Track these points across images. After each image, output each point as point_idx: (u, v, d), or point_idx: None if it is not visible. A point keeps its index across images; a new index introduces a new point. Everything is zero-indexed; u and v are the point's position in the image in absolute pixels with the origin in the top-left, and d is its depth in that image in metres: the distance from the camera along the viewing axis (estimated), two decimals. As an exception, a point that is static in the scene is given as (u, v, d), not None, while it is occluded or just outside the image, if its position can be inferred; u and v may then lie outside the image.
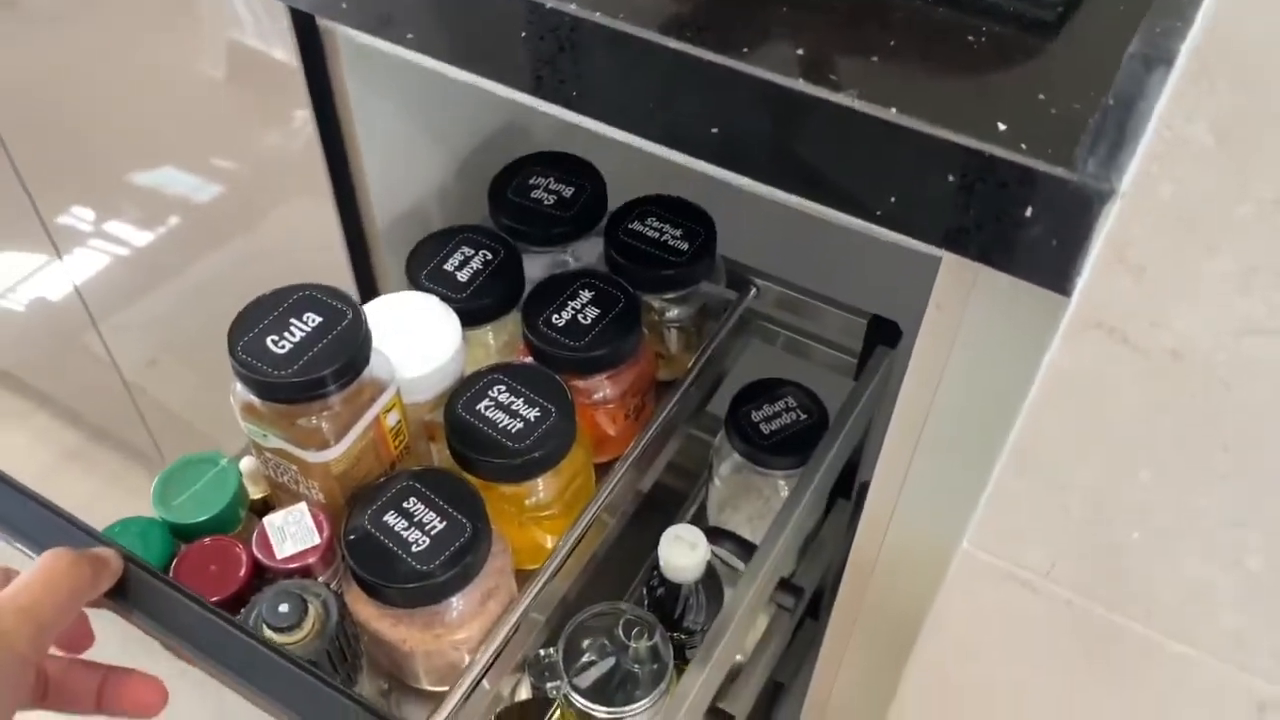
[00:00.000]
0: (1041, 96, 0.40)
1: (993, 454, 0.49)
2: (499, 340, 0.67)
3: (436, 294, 0.62)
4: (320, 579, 0.51)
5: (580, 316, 0.61)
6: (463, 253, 0.65)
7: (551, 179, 0.69)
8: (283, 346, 0.50)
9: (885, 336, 0.68)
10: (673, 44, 0.43)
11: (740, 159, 0.45)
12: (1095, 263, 0.36)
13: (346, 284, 0.72)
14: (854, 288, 0.74)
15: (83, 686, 0.40)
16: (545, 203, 0.68)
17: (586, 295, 0.62)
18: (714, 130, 0.44)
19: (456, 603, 0.53)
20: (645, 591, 0.66)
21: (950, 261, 0.45)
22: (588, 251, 0.71)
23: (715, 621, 0.57)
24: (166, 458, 1.23)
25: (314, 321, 0.51)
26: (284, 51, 0.62)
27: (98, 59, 0.80)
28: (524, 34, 0.47)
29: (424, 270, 0.64)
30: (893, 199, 0.41)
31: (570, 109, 0.48)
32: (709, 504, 0.81)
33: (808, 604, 0.90)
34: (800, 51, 0.42)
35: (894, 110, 0.39)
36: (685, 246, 0.66)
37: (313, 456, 0.51)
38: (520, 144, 0.78)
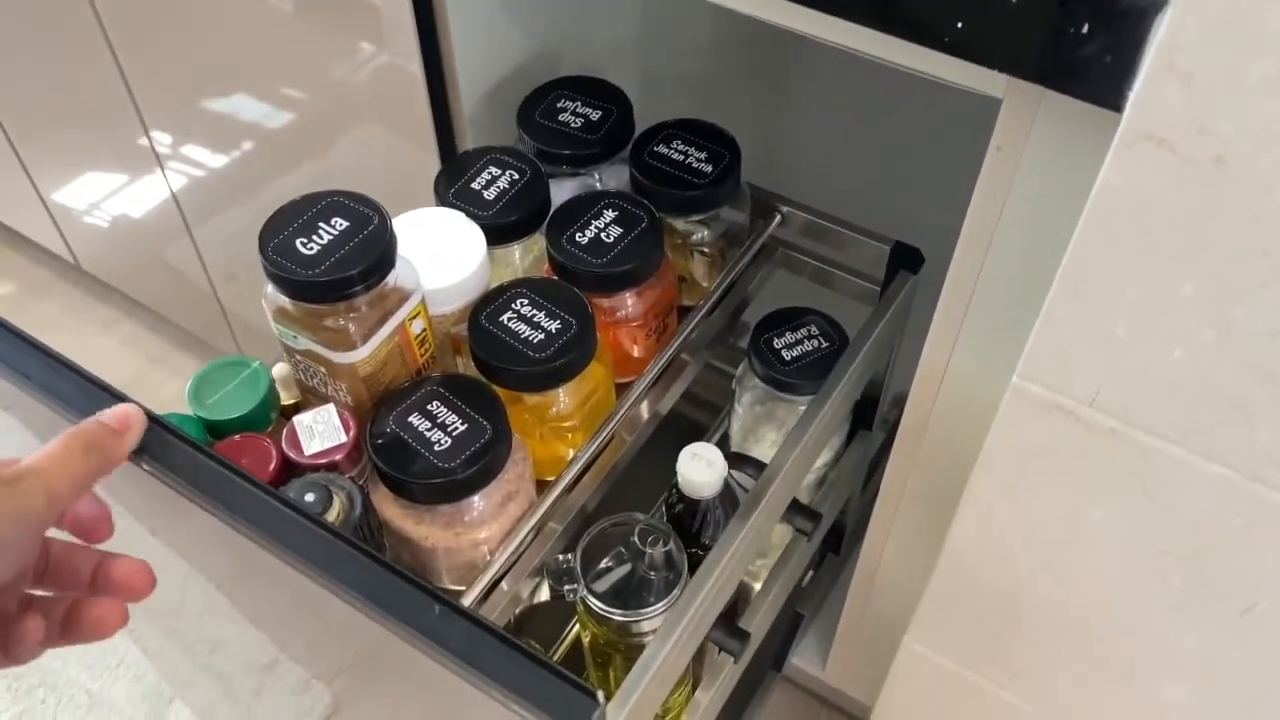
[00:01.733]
0: None
1: (1046, 294, 0.52)
2: (525, 260, 0.68)
3: (463, 211, 0.63)
4: (349, 474, 0.53)
5: (603, 235, 0.62)
6: (490, 172, 0.66)
7: (579, 102, 0.70)
8: (311, 248, 0.51)
9: (907, 262, 0.68)
10: None
11: None
12: (1146, 73, 0.38)
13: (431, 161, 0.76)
14: (879, 220, 0.75)
15: (80, 567, 0.42)
16: (572, 125, 0.69)
17: (610, 215, 0.63)
18: None
19: (477, 502, 0.54)
20: (664, 509, 0.68)
21: (1012, 100, 0.48)
22: (614, 178, 0.71)
23: (726, 527, 0.58)
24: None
25: (341, 225, 0.52)
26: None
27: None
28: None
29: (451, 188, 0.65)
30: (959, 25, 0.44)
31: None
32: (731, 433, 0.82)
33: (830, 539, 0.92)
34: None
35: None
36: (709, 169, 0.67)
37: (340, 358, 0.53)
38: (550, 73, 0.79)
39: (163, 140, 1.05)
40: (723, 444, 0.87)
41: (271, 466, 0.52)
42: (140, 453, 0.42)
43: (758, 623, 0.72)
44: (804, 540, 0.75)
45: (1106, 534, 0.57)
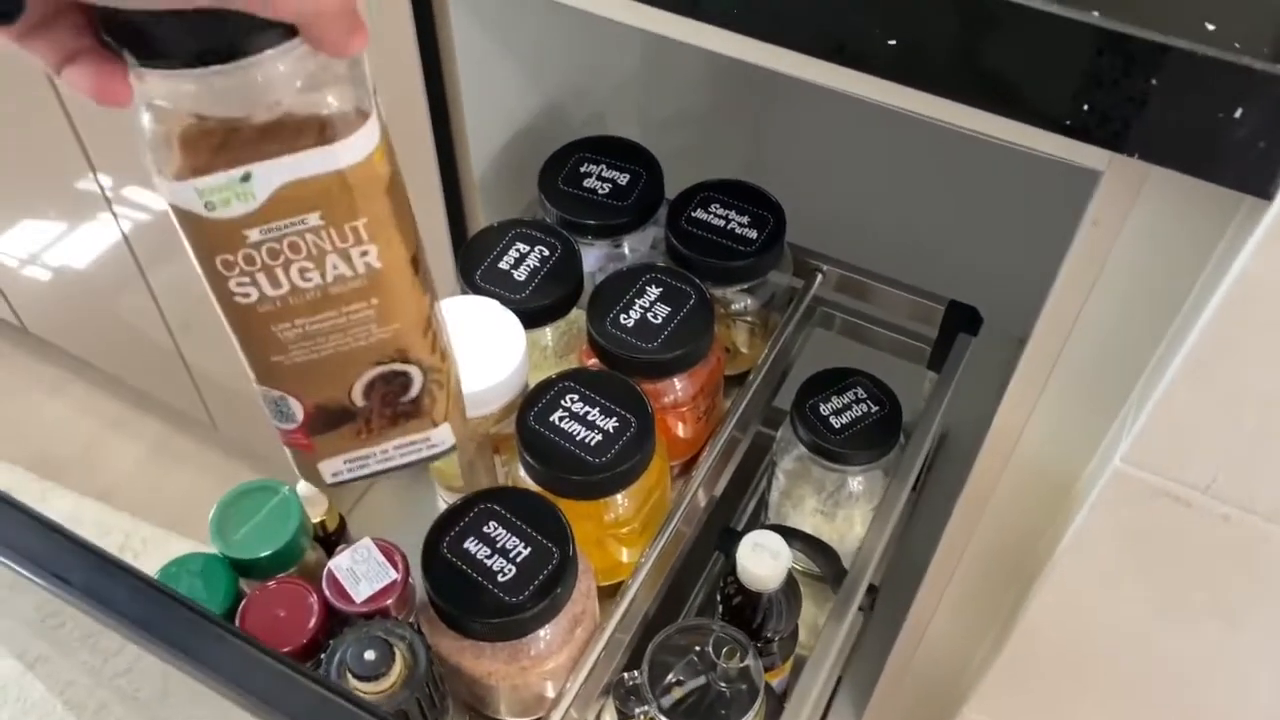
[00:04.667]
0: None
1: (1138, 373, 0.50)
2: (557, 340, 0.63)
3: (494, 295, 0.58)
4: (398, 617, 0.48)
5: (650, 315, 0.57)
6: (518, 249, 0.60)
7: (604, 166, 0.65)
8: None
9: (965, 323, 0.64)
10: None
11: (920, 73, 0.43)
12: None
13: (438, 228, 0.69)
14: (902, 263, 0.71)
15: None
16: (600, 192, 0.64)
17: (654, 292, 0.58)
18: (891, 43, 0.42)
19: (544, 633, 0.49)
20: (720, 599, 0.63)
21: (1115, 174, 0.44)
22: (642, 242, 0.66)
23: (814, 655, 0.54)
24: (216, 419, 1.20)
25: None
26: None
27: None
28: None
29: (478, 270, 0.59)
30: (1086, 107, 0.40)
31: (730, 29, 0.46)
32: (770, 498, 0.77)
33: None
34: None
35: (1096, 14, 0.38)
36: (754, 235, 0.62)
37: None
38: (556, 125, 0.74)
39: (111, 181, 0.96)
40: (759, 509, 0.83)
41: (313, 621, 0.46)
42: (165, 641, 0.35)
43: (813, 705, 0.67)
44: (861, 617, 0.71)
45: (1209, 615, 0.54)
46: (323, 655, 0.45)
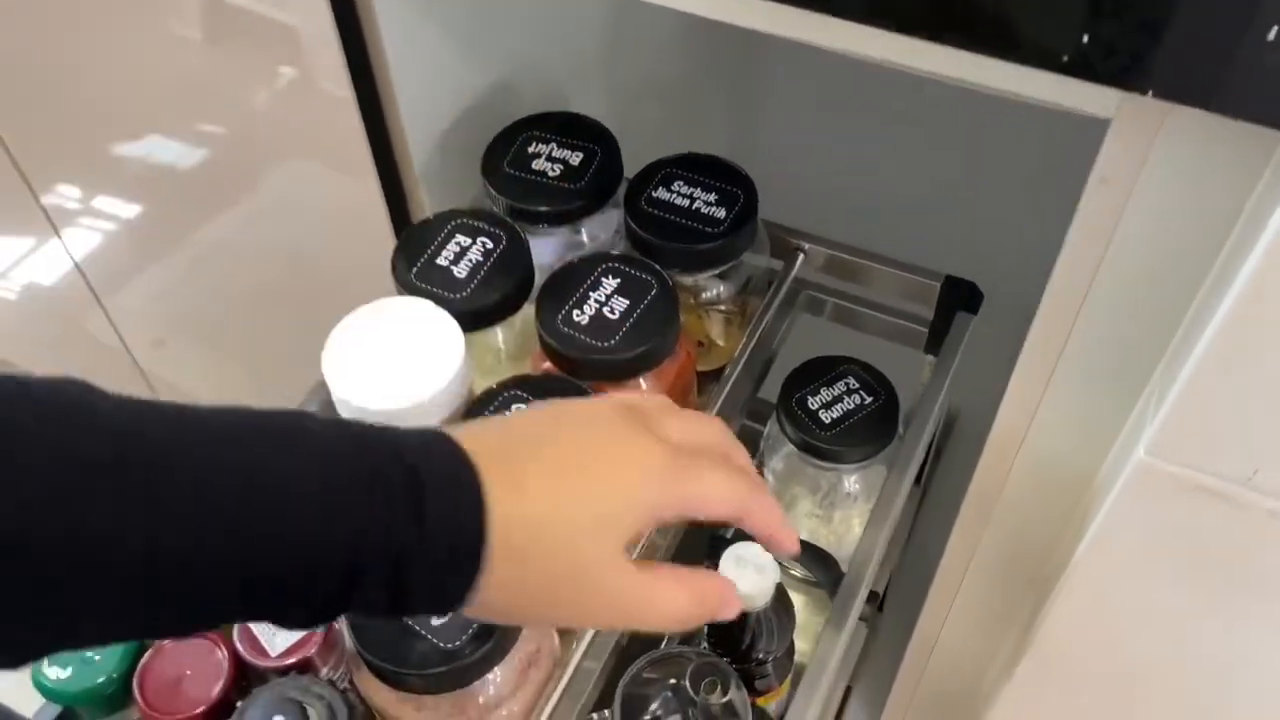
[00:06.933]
0: None
1: (1160, 352, 0.45)
2: (510, 341, 0.57)
3: (431, 295, 0.52)
4: (324, 670, 0.42)
5: (606, 310, 0.51)
6: (458, 242, 0.54)
7: (554, 145, 0.59)
8: None
9: (964, 300, 0.58)
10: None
11: (897, 14, 0.37)
12: None
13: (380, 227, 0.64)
14: (903, 245, 0.65)
15: None
16: (550, 174, 0.57)
17: (611, 283, 0.52)
18: None
19: (494, 677, 0.43)
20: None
21: (1125, 122, 0.38)
22: (602, 228, 0.60)
23: (807, 673, 0.47)
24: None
25: None
26: None
27: (78, 22, 0.69)
28: None
29: (413, 268, 0.53)
30: (1086, 39, 0.33)
31: None
32: (760, 501, 0.71)
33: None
34: None
35: None
36: (722, 214, 0.55)
37: None
38: (509, 105, 0.67)
39: (54, 210, 0.91)
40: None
41: (221, 682, 0.40)
42: None
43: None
44: (864, 626, 0.65)
45: (1253, 617, 0.48)
46: (231, 721, 0.39)
